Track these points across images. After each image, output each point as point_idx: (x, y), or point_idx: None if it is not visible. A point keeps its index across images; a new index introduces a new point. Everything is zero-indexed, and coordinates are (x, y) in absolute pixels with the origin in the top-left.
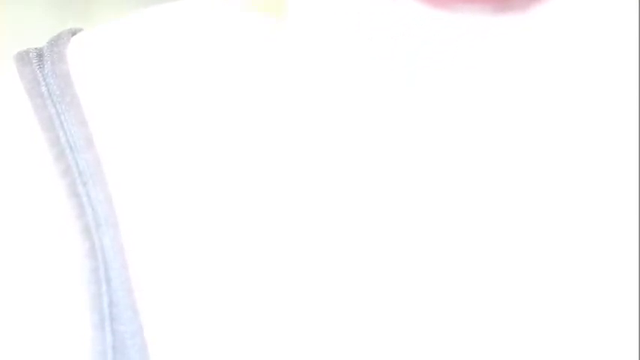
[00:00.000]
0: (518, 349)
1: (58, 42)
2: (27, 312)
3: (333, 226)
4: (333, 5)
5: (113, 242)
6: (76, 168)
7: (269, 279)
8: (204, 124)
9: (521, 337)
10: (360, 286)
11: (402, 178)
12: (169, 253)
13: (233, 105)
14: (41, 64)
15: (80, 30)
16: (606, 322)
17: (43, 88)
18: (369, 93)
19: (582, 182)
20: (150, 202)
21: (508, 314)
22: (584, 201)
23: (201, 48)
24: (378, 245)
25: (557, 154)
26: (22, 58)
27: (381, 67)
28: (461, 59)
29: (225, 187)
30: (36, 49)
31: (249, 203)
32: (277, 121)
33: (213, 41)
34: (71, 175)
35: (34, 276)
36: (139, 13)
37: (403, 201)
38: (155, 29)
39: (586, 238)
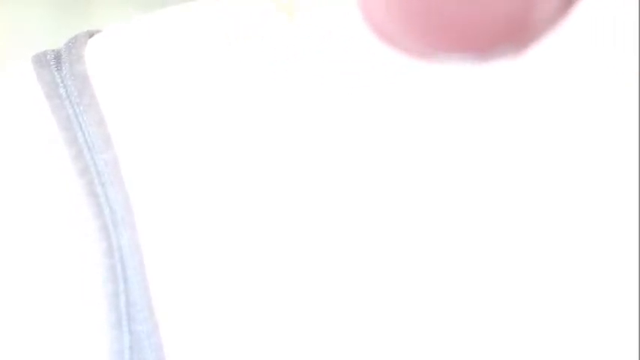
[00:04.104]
0: (518, 350)
1: (75, 44)
2: (44, 310)
3: (340, 226)
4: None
5: (130, 242)
6: (94, 168)
7: (284, 278)
8: (221, 126)
9: (521, 339)
10: (364, 288)
11: (400, 178)
12: (185, 253)
13: (250, 106)
14: (59, 66)
15: (98, 31)
16: (606, 323)
17: (62, 90)
18: (368, 90)
19: (580, 182)
20: (167, 202)
21: (507, 316)
22: (582, 202)
23: (219, 49)
24: (378, 246)
25: (555, 152)
26: (40, 60)
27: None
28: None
29: (242, 188)
30: (53, 51)
31: (264, 204)
32: (292, 121)
33: (230, 42)
34: (89, 174)
35: (52, 274)
36: (156, 13)
37: (402, 201)
38: (173, 30)
39: (585, 240)
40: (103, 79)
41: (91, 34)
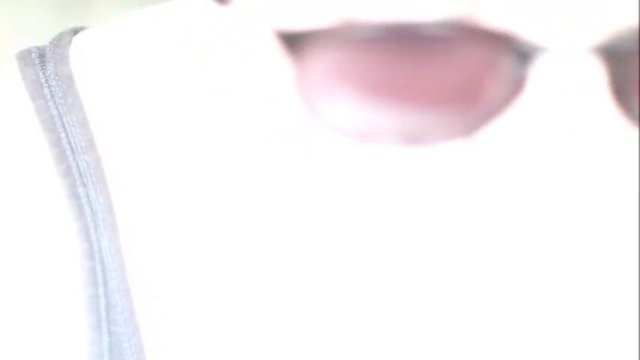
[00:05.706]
0: (519, 352)
1: (60, 42)
2: (24, 312)
3: (333, 226)
4: None
5: (111, 244)
6: (77, 169)
7: (267, 281)
8: (205, 126)
9: (522, 342)
10: (359, 288)
11: (402, 181)
12: (167, 256)
13: (236, 105)
14: (43, 65)
15: (82, 29)
16: (606, 324)
17: (46, 90)
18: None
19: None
20: (149, 204)
21: (508, 320)
22: (583, 204)
23: (204, 48)
24: (379, 247)
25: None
26: (25, 58)
27: None
28: None
29: (224, 189)
30: (38, 48)
31: (248, 205)
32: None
33: (215, 41)
34: (71, 176)
35: (32, 275)
36: (140, 12)
37: (403, 202)
38: (158, 29)
39: (586, 242)
40: (87, 80)
41: (75, 32)
